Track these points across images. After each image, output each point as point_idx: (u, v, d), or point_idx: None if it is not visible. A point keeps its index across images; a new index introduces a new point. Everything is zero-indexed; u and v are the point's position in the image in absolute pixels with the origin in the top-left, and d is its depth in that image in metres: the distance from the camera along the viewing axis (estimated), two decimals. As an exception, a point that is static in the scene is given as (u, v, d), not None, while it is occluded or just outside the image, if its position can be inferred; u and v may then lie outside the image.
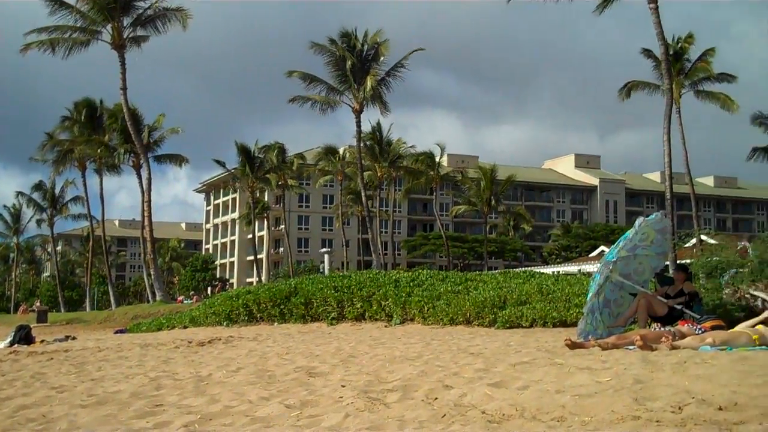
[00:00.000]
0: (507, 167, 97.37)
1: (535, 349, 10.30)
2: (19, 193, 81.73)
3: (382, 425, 5.59)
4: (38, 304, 63.86)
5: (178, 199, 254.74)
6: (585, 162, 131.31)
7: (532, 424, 5.28)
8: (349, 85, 47.27)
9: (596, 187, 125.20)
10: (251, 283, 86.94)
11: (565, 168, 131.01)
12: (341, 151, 78.80)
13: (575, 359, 8.49)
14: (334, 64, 47.39)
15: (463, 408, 5.96)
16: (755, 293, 12.15)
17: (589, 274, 23.36)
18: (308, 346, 13.24)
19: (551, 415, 5.43)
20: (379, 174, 70.88)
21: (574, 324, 14.31)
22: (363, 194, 52.07)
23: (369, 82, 46.00)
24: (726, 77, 46.58)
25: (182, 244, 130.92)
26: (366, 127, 66.38)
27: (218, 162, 76.13)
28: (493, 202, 77.49)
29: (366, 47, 48.00)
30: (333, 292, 20.83)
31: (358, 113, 48.14)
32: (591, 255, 71.48)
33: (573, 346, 9.78)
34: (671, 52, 39.18)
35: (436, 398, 6.47)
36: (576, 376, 7.10)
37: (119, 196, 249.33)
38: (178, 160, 57.83)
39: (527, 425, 5.26)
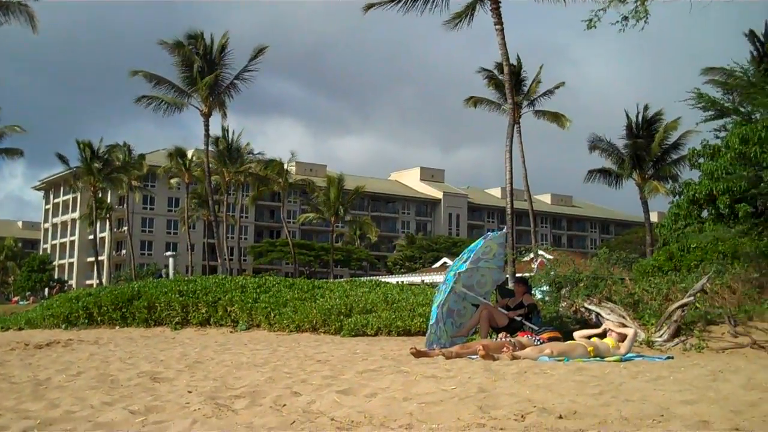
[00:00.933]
0: (354, 177, 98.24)
1: (381, 357, 10.47)
2: None
3: (230, 431, 5.58)
4: None
5: (13, 196, 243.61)
6: (430, 175, 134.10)
7: (380, 431, 5.39)
8: (198, 87, 46.59)
9: (440, 200, 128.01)
10: (92, 285, 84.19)
11: (411, 180, 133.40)
12: (189, 153, 77.54)
13: (421, 367, 8.69)
14: (182, 65, 46.62)
15: (312, 415, 6.02)
16: (589, 307, 12.74)
17: (432, 285, 23.91)
18: (152, 350, 12.99)
19: (399, 422, 5.56)
20: (226, 179, 70.18)
21: (418, 333, 14.66)
22: (210, 198, 51.38)
23: (207, 81, 45.42)
24: (552, 91, 48.29)
25: (19, 243, 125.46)
26: (216, 132, 65.93)
27: (61, 158, 73.34)
28: (340, 212, 77.96)
29: (214, 50, 47.47)
30: (178, 296, 20.47)
31: (206, 116, 47.51)
32: (434, 266, 73.01)
33: (418, 354, 9.99)
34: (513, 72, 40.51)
35: (285, 405, 6.50)
36: (422, 384, 7.28)
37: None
38: (12, 153, 55.50)
39: (375, 432, 5.36)
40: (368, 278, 29.51)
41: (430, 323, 11.63)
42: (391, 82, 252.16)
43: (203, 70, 46.16)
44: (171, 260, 40.51)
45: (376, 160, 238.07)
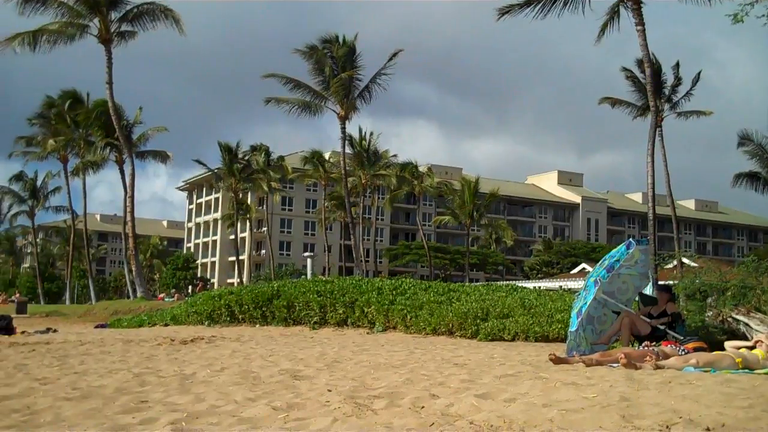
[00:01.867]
0: (490, 180, 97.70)
1: (519, 362, 10.35)
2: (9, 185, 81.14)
3: (370, 431, 5.61)
4: (18, 295, 63.48)
5: (158, 196, 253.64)
6: (568, 179, 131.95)
7: (520, 436, 5.32)
8: (333, 90, 47.09)
9: (578, 204, 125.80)
10: (232, 283, 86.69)
11: (548, 184, 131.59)
12: (327, 156, 78.79)
13: (560, 374, 8.53)
14: (317, 69, 47.18)
15: (451, 417, 5.99)
16: (737, 317, 12.24)
17: (570, 291, 23.50)
18: (291, 349, 13.23)
19: (539, 428, 5.47)
20: (363, 181, 70.93)
21: (557, 339, 14.42)
22: (347, 200, 52.05)
23: (341, 83, 45.80)
24: (692, 92, 46.95)
25: (164, 242, 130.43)
26: (353, 134, 66.76)
27: (200, 162, 75.78)
28: (475, 215, 77.63)
29: (348, 53, 47.72)
30: (316, 296, 20.83)
31: (342, 119, 48.03)
32: (572, 272, 71.82)
33: (557, 361, 9.83)
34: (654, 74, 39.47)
35: (423, 407, 6.49)
36: (562, 390, 7.14)
37: (98, 190, 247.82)
38: (161, 156, 57.31)
39: (515, 437, 5.30)
40: (504, 282, 29.27)
41: (570, 330, 11.42)
42: (527, 83, 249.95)
43: (338, 73, 46.66)
44: (309, 261, 41.16)
45: (511, 163, 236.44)
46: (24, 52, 43.54)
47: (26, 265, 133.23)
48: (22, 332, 20.55)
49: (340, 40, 47.41)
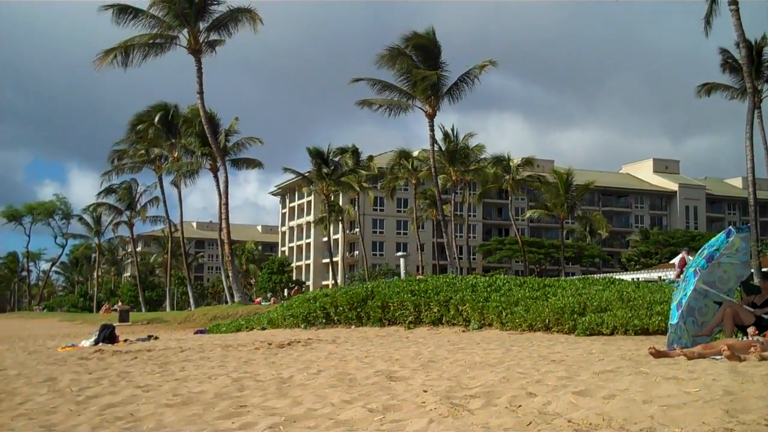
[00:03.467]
0: (582, 171, 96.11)
1: (619, 357, 10.15)
2: (100, 194, 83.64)
3: (467, 432, 5.57)
4: (120, 303, 65.28)
5: (249, 202, 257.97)
6: (663, 167, 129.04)
7: (621, 434, 5.21)
8: (419, 88, 46.98)
9: (675, 192, 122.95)
10: (327, 285, 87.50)
11: (643, 173, 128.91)
12: (415, 154, 78.82)
13: (660, 368, 8.32)
14: (402, 69, 47.09)
15: (549, 416, 5.91)
16: None
17: (670, 282, 22.97)
18: (387, 349, 13.26)
19: (640, 425, 5.35)
20: (453, 178, 70.67)
21: (657, 332, 14.09)
22: (438, 198, 51.96)
23: (428, 81, 45.58)
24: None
25: (259, 247, 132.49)
26: (440, 131, 66.53)
27: (291, 170, 76.56)
28: (569, 208, 76.61)
29: (434, 49, 47.36)
30: (410, 296, 20.84)
31: (431, 117, 47.93)
32: (671, 262, 70.17)
33: (657, 354, 9.59)
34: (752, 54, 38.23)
35: (520, 405, 6.42)
36: (663, 386, 6.97)
37: (192, 198, 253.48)
38: (253, 164, 58.26)
39: (615, 435, 5.19)
40: (601, 275, 28.80)
41: (670, 322, 11.14)
42: (613, 68, 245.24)
43: (424, 71, 46.47)
44: (402, 260, 41.28)
45: (602, 153, 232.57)
46: (117, 66, 44.76)
47: (127, 274, 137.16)
48: (125, 340, 21.08)
49: (423, 36, 47.21)
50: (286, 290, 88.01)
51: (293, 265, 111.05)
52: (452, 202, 76.44)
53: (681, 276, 25.98)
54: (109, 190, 77.62)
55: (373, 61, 46.24)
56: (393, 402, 7.01)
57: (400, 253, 44.84)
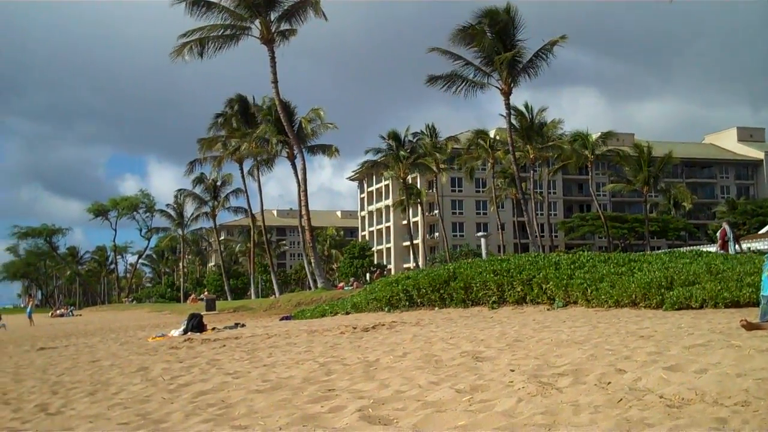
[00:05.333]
0: (663, 143, 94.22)
1: (709, 330, 9.93)
2: (181, 190, 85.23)
3: (557, 410, 5.52)
4: (206, 293, 66.43)
5: (325, 187, 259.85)
6: (748, 135, 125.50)
7: (714, 408, 5.10)
8: (496, 66, 46.48)
9: (762, 161, 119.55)
10: (408, 268, 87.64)
11: (727, 142, 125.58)
12: (492, 133, 78.25)
13: (753, 341, 8.13)
14: (477, 45, 46.53)
15: (639, 392, 5.82)
16: None
17: (760, 253, 22.38)
18: (471, 330, 13.22)
19: (734, 399, 5.23)
20: (531, 155, 69.93)
21: (748, 304, 13.76)
22: (516, 177, 51.49)
23: (505, 58, 45.01)
24: None
25: (340, 232, 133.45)
26: (516, 109, 65.79)
27: (375, 150, 76.70)
28: (651, 181, 75.19)
29: (509, 26, 46.69)
30: (492, 276, 20.74)
31: (506, 95, 47.41)
32: (760, 232, 68.40)
33: (750, 327, 9.37)
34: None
35: (610, 382, 6.35)
36: (756, 359, 6.80)
37: (268, 187, 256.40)
38: (329, 150, 58.44)
39: (709, 410, 5.08)
40: (688, 248, 28.22)
41: (762, 294, 10.87)
42: (687, 36, 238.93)
43: (498, 48, 45.96)
44: (483, 240, 40.97)
45: (682, 124, 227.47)
46: (192, 59, 45.45)
47: (212, 264, 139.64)
48: (213, 328, 21.46)
49: (500, 12, 46.53)
50: (367, 274, 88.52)
51: (374, 249, 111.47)
52: (531, 179, 75.73)
53: (723, 248, 25.34)
54: (199, 180, 79.02)
55: (448, 38, 45.83)
56: (480, 382, 6.99)
57: (480, 233, 44.47)
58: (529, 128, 68.45)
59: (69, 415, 7.75)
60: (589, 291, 17.87)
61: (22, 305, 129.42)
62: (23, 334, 32.52)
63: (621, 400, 5.61)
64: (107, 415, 7.39)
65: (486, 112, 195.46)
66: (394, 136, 73.63)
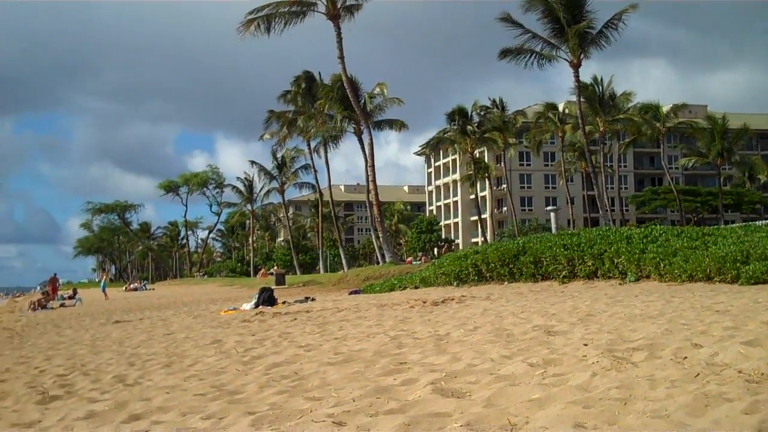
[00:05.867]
0: (737, 115, 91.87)
1: (788, 305, 9.71)
2: (253, 163, 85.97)
3: (632, 384, 5.44)
4: (276, 267, 67.18)
5: (392, 162, 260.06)
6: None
7: (797, 384, 4.99)
8: (565, 39, 45.83)
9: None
10: (476, 243, 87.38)
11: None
12: (560, 107, 77.33)
13: (836, 316, 7.93)
14: (545, 17, 45.90)
15: (717, 367, 5.71)
16: None
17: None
18: (542, 304, 13.13)
19: (816, 374, 5.11)
20: (601, 128, 68.91)
21: (828, 278, 13.41)
22: (586, 150, 50.90)
23: (577, 29, 44.26)
24: None
25: (408, 207, 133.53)
26: (585, 81, 64.80)
27: (439, 137, 76.38)
28: (725, 153, 73.53)
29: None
30: (563, 250, 20.59)
31: (575, 67, 46.76)
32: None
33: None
34: None
35: (686, 357, 6.23)
36: (840, 333, 6.63)
37: (335, 162, 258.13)
38: (396, 125, 58.00)
39: (791, 385, 4.97)
40: (764, 222, 27.60)
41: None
42: (762, 7, 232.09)
43: (568, 19, 45.25)
44: (552, 215, 40.63)
45: (757, 95, 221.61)
46: (259, 34, 45.66)
47: (280, 239, 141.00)
48: (283, 302, 21.68)
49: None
50: (435, 249, 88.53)
51: (441, 223, 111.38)
52: (601, 153, 74.70)
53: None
54: (273, 156, 79.85)
55: (518, 5, 45.30)
56: (553, 356, 6.94)
57: (550, 207, 44.12)
58: (599, 101, 67.42)
59: (146, 386, 7.92)
60: (662, 265, 17.62)
61: (96, 280, 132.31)
62: (99, 308, 33.28)
63: (698, 374, 5.51)
64: (183, 386, 7.52)
65: (552, 85, 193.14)
66: (460, 111, 73.21)
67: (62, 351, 12.78)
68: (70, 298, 43.85)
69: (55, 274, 51.23)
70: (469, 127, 72.97)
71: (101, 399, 7.36)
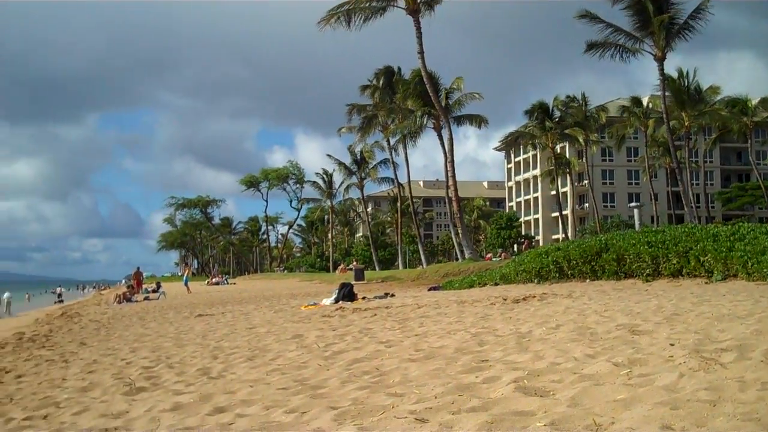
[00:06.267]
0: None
1: None
2: (331, 157, 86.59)
3: (721, 386, 5.31)
4: (355, 263, 67.53)
5: (470, 158, 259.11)
6: None
7: None
8: (650, 31, 45.04)
9: None
10: (557, 239, 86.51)
11: None
12: (644, 101, 75.98)
13: None
14: (631, 10, 45.21)
15: (812, 369, 5.54)
16: None
17: None
18: (626, 303, 12.91)
19: None
20: (686, 123, 67.47)
21: None
22: (671, 145, 50.00)
23: (662, 20, 43.43)
24: None
25: (487, 203, 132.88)
26: (669, 74, 63.55)
27: (518, 132, 75.79)
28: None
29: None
30: (647, 247, 20.22)
31: (660, 60, 45.95)
32: None
33: None
34: None
35: (778, 359, 6.06)
36: None
37: (413, 157, 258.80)
38: (477, 120, 57.43)
39: None
40: None
41: None
42: None
43: (653, 10, 44.44)
44: (636, 211, 40.04)
45: None
46: (342, 27, 45.92)
47: (359, 234, 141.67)
48: (363, 298, 21.78)
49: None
50: (515, 245, 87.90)
51: (521, 219, 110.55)
52: (686, 148, 73.17)
53: None
54: (350, 151, 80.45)
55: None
56: (638, 356, 6.81)
57: (633, 204, 43.43)
58: (685, 94, 66.03)
59: (230, 379, 8.03)
60: (750, 264, 17.16)
61: (179, 273, 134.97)
62: (182, 302, 33.92)
63: (791, 377, 5.35)
64: (266, 380, 7.61)
65: (634, 79, 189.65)
66: (541, 106, 72.43)
67: (147, 343, 13.06)
68: (154, 291, 44.81)
69: (139, 268, 52.45)
70: (548, 123, 72.21)
71: (186, 391, 7.49)
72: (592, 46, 46.29)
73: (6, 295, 47.46)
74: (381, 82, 65.49)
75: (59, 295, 70.07)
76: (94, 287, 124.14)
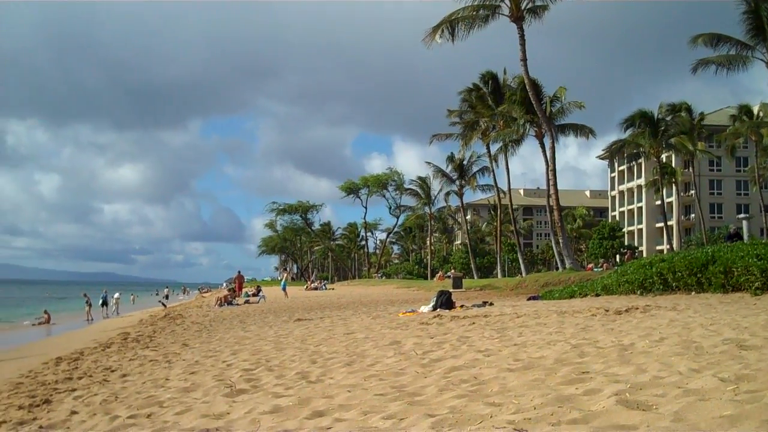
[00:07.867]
0: None
1: None
2: (430, 164, 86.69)
3: (836, 406, 5.10)
4: (453, 270, 67.36)
5: (570, 166, 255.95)
6: None
7: None
8: (763, 37, 43.71)
9: None
10: (661, 250, 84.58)
11: None
12: (755, 110, 73.71)
13: None
14: (747, 15, 43.94)
15: None
16: None
17: None
18: (733, 317, 12.52)
19: None
20: (801, 131, 65.25)
21: None
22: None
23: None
24: None
25: (590, 212, 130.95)
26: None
27: (622, 141, 74.32)
28: None
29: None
30: (756, 260, 19.57)
31: (773, 67, 44.58)
32: None
33: None
34: None
35: None
36: None
37: (513, 164, 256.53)
38: (582, 131, 56.24)
39: None
40: None
41: None
42: None
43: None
44: (745, 223, 38.80)
45: None
46: (444, 41, 45.98)
47: (458, 242, 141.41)
48: (461, 306, 21.70)
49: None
50: (617, 256, 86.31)
51: (624, 230, 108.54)
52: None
53: None
54: (450, 159, 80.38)
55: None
56: (746, 372, 6.58)
57: (742, 215, 42.14)
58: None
59: (328, 383, 8.10)
60: None
61: (278, 278, 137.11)
62: (280, 306, 34.41)
63: None
64: (364, 386, 7.64)
65: (743, 86, 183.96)
66: (643, 114, 70.85)
67: (248, 346, 13.28)
68: (254, 295, 45.60)
69: (240, 272, 53.41)
70: (652, 130, 70.62)
71: (285, 394, 7.58)
72: (698, 65, 45.42)
73: (116, 295, 49.28)
74: (480, 88, 65.17)
75: (166, 296, 72.05)
76: (196, 290, 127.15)
